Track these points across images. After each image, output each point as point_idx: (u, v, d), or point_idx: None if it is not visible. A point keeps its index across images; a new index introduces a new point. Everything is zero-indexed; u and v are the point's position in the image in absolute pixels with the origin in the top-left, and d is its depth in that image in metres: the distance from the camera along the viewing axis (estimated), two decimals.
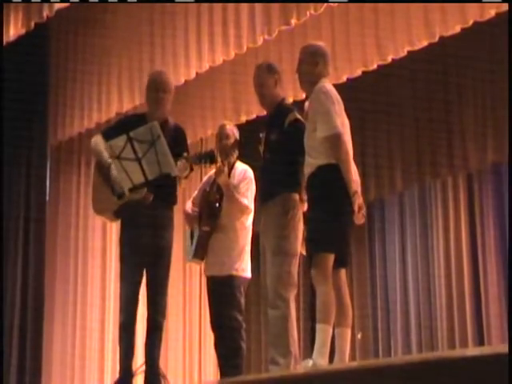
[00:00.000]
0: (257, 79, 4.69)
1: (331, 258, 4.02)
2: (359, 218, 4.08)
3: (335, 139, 4.03)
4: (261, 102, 4.74)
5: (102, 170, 4.74)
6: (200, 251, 5.16)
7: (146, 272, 4.71)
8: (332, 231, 4.03)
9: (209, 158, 4.67)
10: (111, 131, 4.82)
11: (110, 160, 4.63)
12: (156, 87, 4.81)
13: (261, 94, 4.67)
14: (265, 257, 4.49)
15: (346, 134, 4.18)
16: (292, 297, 4.35)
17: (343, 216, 4.04)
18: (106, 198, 4.72)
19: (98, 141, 4.81)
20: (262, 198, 4.56)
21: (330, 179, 4.04)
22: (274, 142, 4.41)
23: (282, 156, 4.34)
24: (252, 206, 5.12)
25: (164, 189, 4.62)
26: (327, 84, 4.25)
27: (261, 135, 4.64)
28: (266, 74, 4.64)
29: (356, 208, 4.00)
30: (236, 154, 5.10)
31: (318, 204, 4.10)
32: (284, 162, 4.34)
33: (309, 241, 4.16)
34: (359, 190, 4.34)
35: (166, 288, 4.75)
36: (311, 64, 4.30)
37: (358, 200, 4.02)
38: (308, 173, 4.14)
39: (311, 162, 4.12)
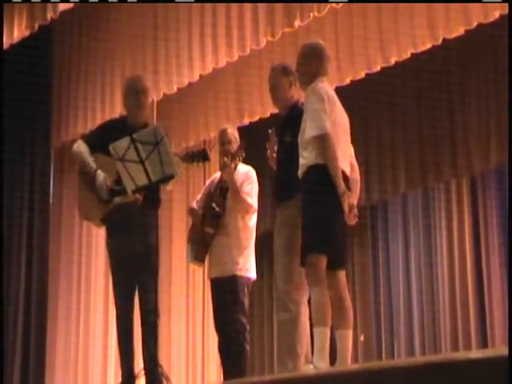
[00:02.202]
0: (270, 80, 4.64)
1: (323, 259, 3.97)
2: (351, 219, 4.03)
3: (322, 139, 3.99)
4: (274, 103, 4.71)
5: (87, 177, 4.75)
6: (200, 253, 5.16)
7: (136, 275, 4.71)
8: (322, 232, 3.98)
9: (201, 156, 4.67)
10: (93, 137, 4.85)
11: (95, 166, 4.68)
12: (136, 90, 4.82)
13: (273, 95, 4.63)
14: (278, 258, 4.44)
15: (342, 132, 4.14)
16: (304, 298, 4.31)
17: (333, 217, 3.99)
18: (92, 203, 4.74)
19: (81, 147, 4.84)
20: (276, 199, 4.52)
21: (319, 180, 4.00)
22: (289, 144, 4.35)
23: (297, 158, 4.26)
24: (256, 206, 5.12)
25: (150, 191, 4.62)
26: (320, 83, 4.19)
27: (269, 131, 4.62)
28: (279, 76, 4.58)
29: (346, 208, 3.96)
30: (242, 156, 5.10)
31: (308, 205, 4.05)
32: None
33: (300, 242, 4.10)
34: (357, 189, 4.32)
35: (156, 287, 4.74)
36: (306, 64, 4.27)
37: (348, 200, 3.97)
38: (300, 174, 4.11)
39: (302, 163, 4.09)
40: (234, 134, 5.27)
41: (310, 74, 4.24)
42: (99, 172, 4.65)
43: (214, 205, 5.09)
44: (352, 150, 4.37)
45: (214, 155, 5.42)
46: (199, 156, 4.66)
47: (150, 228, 4.72)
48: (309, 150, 4.05)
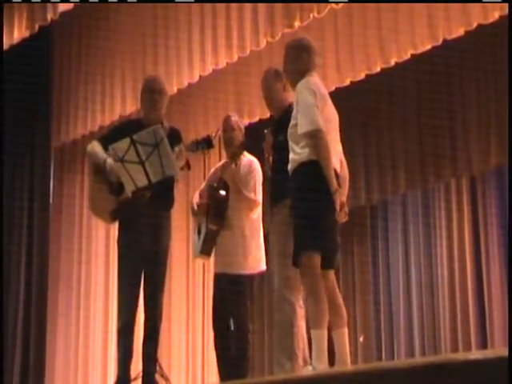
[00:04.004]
0: (264, 83, 4.66)
1: (317, 258, 3.92)
2: (341, 217, 4.00)
3: (314, 135, 3.94)
4: (267, 106, 4.72)
5: (98, 169, 4.74)
6: (207, 247, 5.13)
7: (144, 273, 4.70)
8: (314, 230, 3.92)
9: (206, 143, 4.67)
10: (108, 137, 4.84)
11: (105, 155, 4.65)
12: (151, 90, 4.82)
13: (267, 98, 4.65)
14: (273, 257, 4.45)
15: (333, 129, 4.12)
16: (300, 300, 4.29)
17: (325, 214, 3.93)
18: (103, 199, 4.73)
19: (95, 148, 4.81)
20: (271, 199, 4.51)
21: (311, 176, 3.95)
22: (282, 144, 4.31)
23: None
24: (260, 199, 5.06)
25: (162, 189, 4.62)
26: (311, 78, 4.14)
27: (265, 131, 4.62)
28: (273, 79, 4.60)
29: (337, 206, 3.91)
30: (243, 153, 5.09)
31: (300, 202, 4.00)
32: None
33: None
34: (346, 186, 4.29)
35: (163, 290, 4.75)
36: (294, 60, 4.24)
37: (340, 198, 3.93)
38: (290, 169, 4.07)
39: (293, 158, 4.04)
40: (237, 121, 5.25)
41: (300, 69, 4.19)
42: (109, 160, 4.62)
43: (222, 202, 5.06)
44: (340, 148, 4.35)
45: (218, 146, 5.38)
46: (204, 144, 4.66)
47: (160, 228, 4.71)
48: (301, 145, 4.00)
